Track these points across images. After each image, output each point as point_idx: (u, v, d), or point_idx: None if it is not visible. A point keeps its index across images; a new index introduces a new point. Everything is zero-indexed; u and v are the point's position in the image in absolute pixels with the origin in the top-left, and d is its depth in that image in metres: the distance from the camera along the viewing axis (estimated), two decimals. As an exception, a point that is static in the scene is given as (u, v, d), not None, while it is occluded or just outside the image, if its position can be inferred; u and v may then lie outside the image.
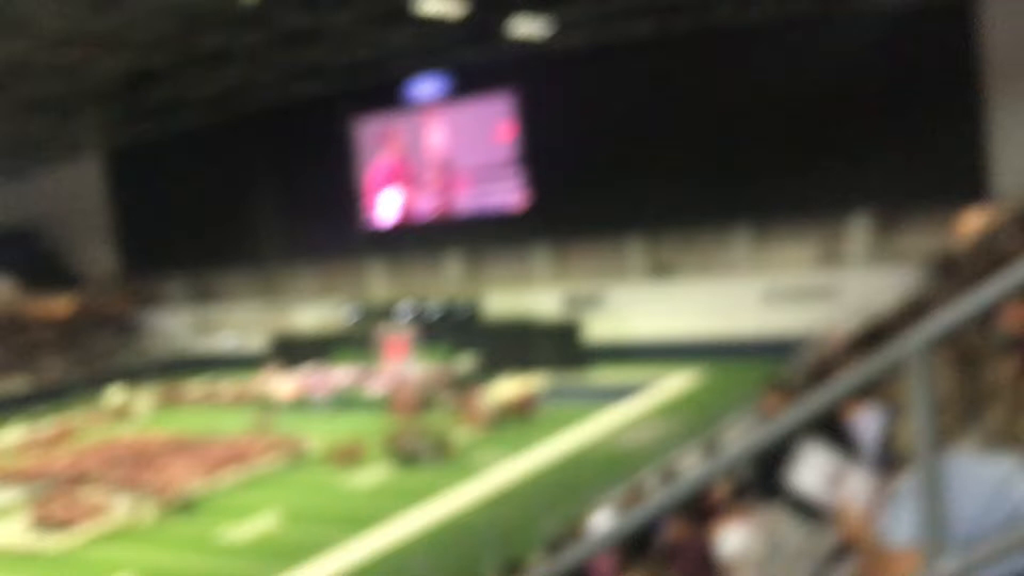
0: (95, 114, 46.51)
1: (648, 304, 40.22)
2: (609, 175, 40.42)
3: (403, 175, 45.89)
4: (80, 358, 51.21)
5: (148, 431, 37.05)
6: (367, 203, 47.13)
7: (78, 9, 29.31)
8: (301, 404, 38.92)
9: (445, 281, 46.28)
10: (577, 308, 41.52)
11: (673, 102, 39.08)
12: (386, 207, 46.10)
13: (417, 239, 45.20)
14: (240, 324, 44.40)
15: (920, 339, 1.90)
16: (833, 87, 35.78)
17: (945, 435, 2.49)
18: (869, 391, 4.46)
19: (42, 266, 55.92)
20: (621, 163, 40.22)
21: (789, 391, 7.30)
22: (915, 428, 1.97)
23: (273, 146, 48.47)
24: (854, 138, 35.89)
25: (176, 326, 52.62)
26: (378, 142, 46.53)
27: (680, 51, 38.04)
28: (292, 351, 44.79)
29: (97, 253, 57.61)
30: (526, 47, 39.15)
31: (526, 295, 43.04)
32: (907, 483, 2.25)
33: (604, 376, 38.09)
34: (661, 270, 41.66)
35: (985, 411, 2.51)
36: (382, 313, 42.63)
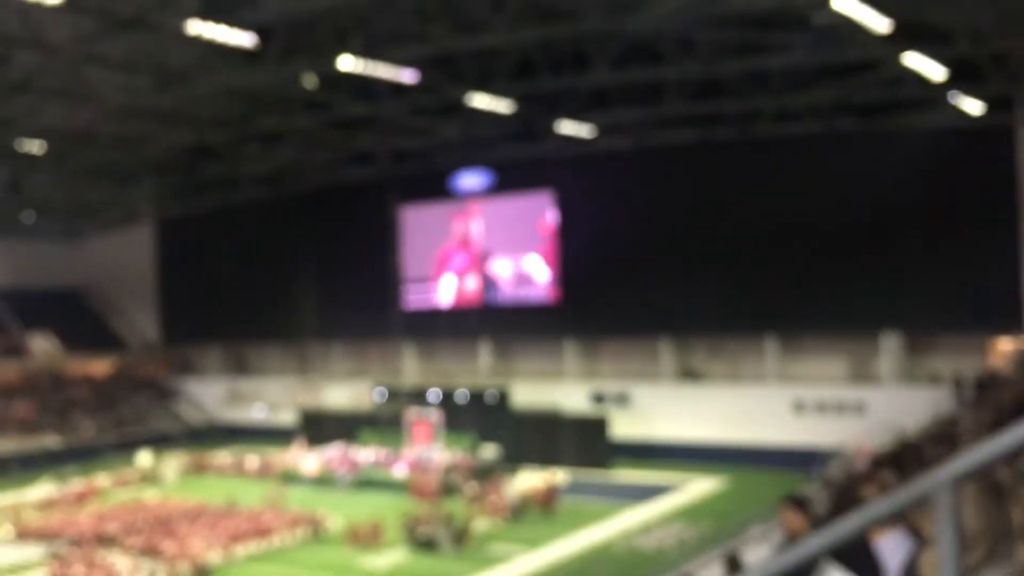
0: (152, 184, 47.72)
1: (675, 407, 39.91)
2: (643, 277, 40.56)
3: (455, 263, 46.30)
4: (114, 420, 51.41)
5: (173, 496, 36.87)
6: (404, 288, 47.43)
7: (143, 85, 30.28)
8: (324, 481, 38.63)
9: (475, 369, 46.20)
10: (604, 405, 41.18)
11: (711, 210, 39.35)
12: (444, 290, 46.44)
13: (451, 326, 45.26)
14: (272, 398, 44.48)
15: (949, 473, 1.86)
16: (872, 204, 35.88)
17: (973, 568, 2.42)
18: (898, 518, 4.33)
19: (87, 327, 56.64)
20: (656, 267, 40.39)
21: (805, 507, 7.15)
22: (941, 561, 1.91)
23: (317, 226, 49.26)
24: (889, 256, 35.83)
25: (210, 395, 52.85)
26: (422, 229, 47.04)
27: (721, 160, 38.43)
28: (320, 427, 44.68)
29: (141, 319, 58.35)
30: (568, 148, 39.94)
31: (554, 389, 42.82)
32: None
33: (628, 475, 37.59)
34: (690, 374, 41.41)
35: (1015, 546, 2.43)
36: (411, 396, 42.49)
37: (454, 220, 46.15)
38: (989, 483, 2.37)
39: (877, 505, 1.94)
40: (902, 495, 1.90)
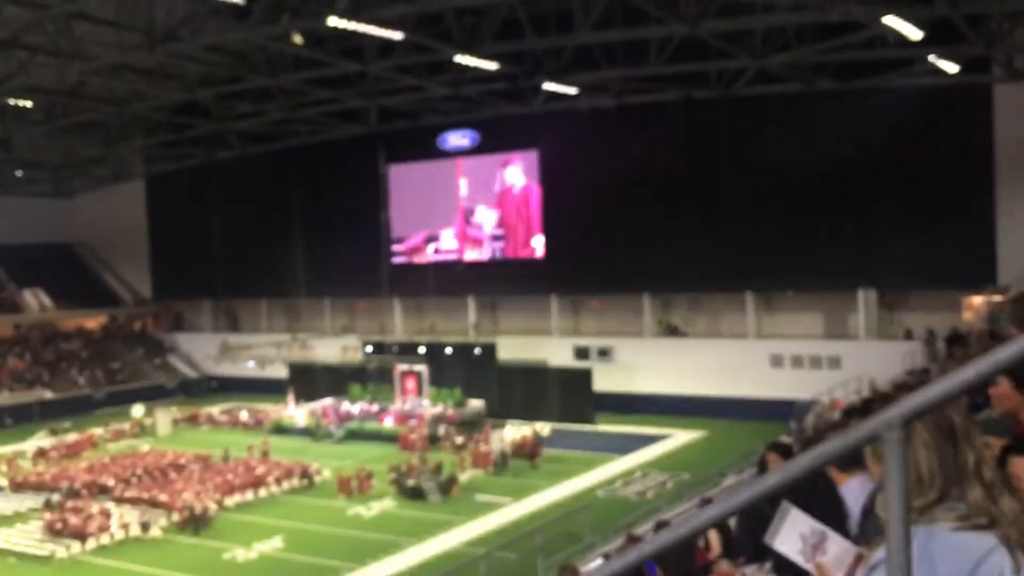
0: (142, 142, 47.28)
1: (657, 361, 40.18)
2: (626, 235, 40.60)
3: (441, 220, 46.33)
4: (107, 374, 51.45)
5: (167, 448, 37.02)
6: (392, 245, 47.35)
7: (132, 42, 29.87)
8: (315, 433, 38.84)
9: (462, 325, 46.36)
10: (587, 357, 41.44)
11: (692, 168, 39.26)
12: (430, 247, 46.69)
13: (438, 282, 45.30)
14: (262, 352, 44.52)
15: (898, 413, 1.89)
16: (850, 163, 35.80)
17: (926, 509, 2.47)
18: (861, 462, 4.41)
19: (80, 283, 56.40)
20: (638, 224, 40.41)
21: (787, 453, 7.23)
22: (888, 500, 1.95)
23: (306, 184, 49.01)
24: (866, 215, 35.93)
25: (202, 350, 52.85)
26: (410, 187, 46.97)
27: (703, 119, 38.27)
28: (310, 381, 44.84)
29: (133, 275, 58.07)
30: (553, 107, 39.75)
31: (539, 344, 43.02)
32: (880, 554, 2.23)
33: (611, 427, 37.89)
34: (671, 330, 41.70)
35: (968, 488, 2.49)
36: (399, 351, 42.63)
37: (439, 178, 46.02)
38: (942, 425, 2.43)
39: (830, 443, 1.98)
40: (852, 434, 1.94)
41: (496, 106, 41.00)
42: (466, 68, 34.10)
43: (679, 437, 35.80)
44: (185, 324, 57.90)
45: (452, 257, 46.36)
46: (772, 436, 20.53)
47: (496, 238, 45.16)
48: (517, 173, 44.41)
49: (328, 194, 49.01)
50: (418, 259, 47.22)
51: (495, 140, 43.91)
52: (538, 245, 43.92)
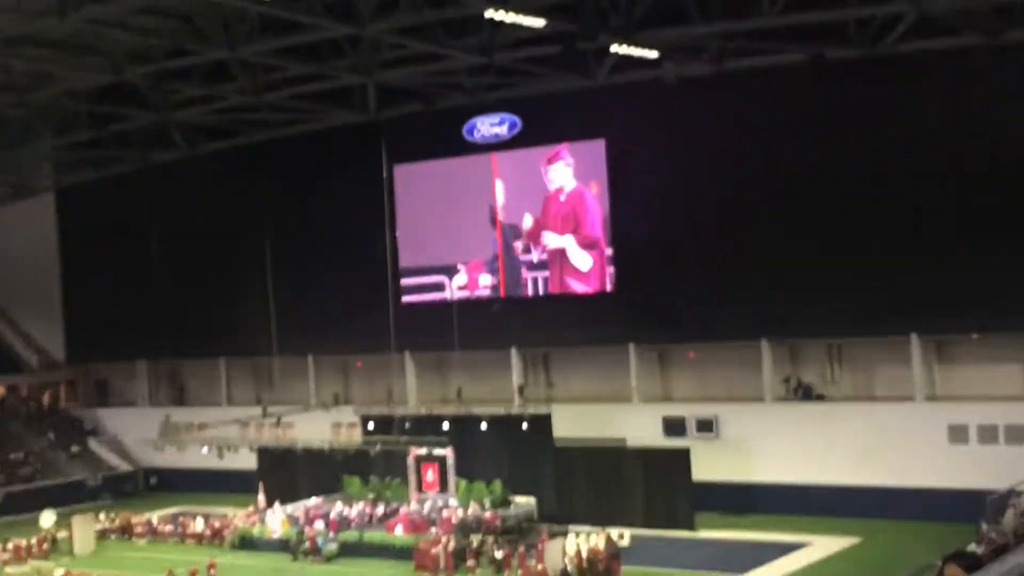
0: (53, 142, 47.70)
1: (783, 437, 39.65)
2: (732, 258, 40.40)
3: (470, 241, 46.56)
4: (5, 468, 51.45)
5: (89, 571, 36.81)
6: (400, 277, 47.27)
7: (38, 4, 30.11)
8: (296, 547, 38.52)
9: (502, 387, 46.11)
10: (682, 433, 41.15)
11: (824, 159, 38.94)
12: (456, 279, 47.07)
13: (468, 328, 45.07)
14: (220, 433, 44.33)
15: None
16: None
17: None
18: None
19: (-36, 340, 57.06)
20: (749, 242, 40.20)
21: (974, 566, 6.90)
22: None
23: (278, 195, 49.32)
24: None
25: (136, 431, 52.82)
26: (423, 196, 47.11)
27: (838, 89, 38.06)
28: (289, 473, 44.74)
29: (39, 328, 58.52)
30: (624, 77, 39.82)
31: (612, 413, 42.76)
32: None
33: (719, 533, 37.52)
34: (803, 391, 41.17)
35: None
36: (413, 427, 42.35)
37: (467, 183, 46.03)
38: None
39: None
40: None
41: (544, 80, 41.13)
42: (501, 26, 34.19)
43: (819, 547, 35.21)
44: (112, 396, 58.07)
45: (486, 293, 46.23)
46: (953, 543, 20.00)
47: (534, 265, 45.14)
48: (564, 172, 44.36)
49: (310, 209, 49.21)
50: (437, 297, 47.11)
51: (543, 127, 43.98)
52: (597, 271, 43.69)
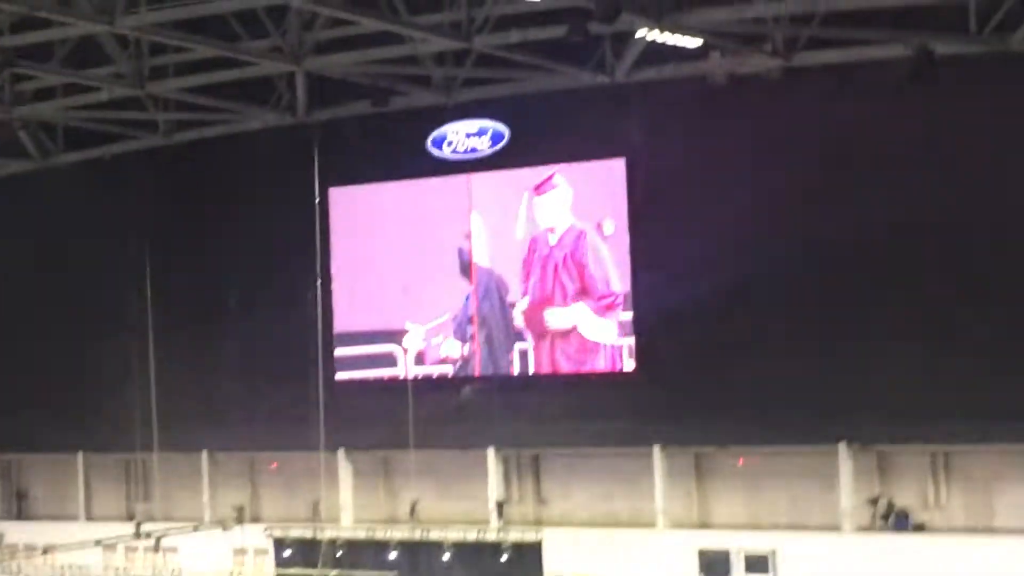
0: None
1: (871, 574, 39.45)
2: (803, 330, 40.42)
3: (434, 296, 46.51)
4: None
5: None
6: (333, 344, 46.99)
7: None
8: None
9: (474, 502, 45.80)
10: (725, 573, 40.95)
11: (934, 191, 38.81)
12: (413, 348, 46.78)
13: (428, 418, 44.75)
14: (75, 560, 43.91)
15: None
16: None
17: None
18: None
19: None
20: (828, 309, 40.23)
21: None
22: None
23: (163, 224, 49.27)
24: None
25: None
26: (369, 231, 47.11)
27: (957, 93, 37.81)
28: None
29: None
30: (654, 74, 40.07)
31: (629, 541, 42.49)
32: None
33: None
34: (895, 517, 40.88)
35: None
36: (347, 554, 42.07)
37: (431, 215, 45.99)
38: None
39: None
40: None
41: (542, 75, 41.29)
42: (483, 1, 34.04)
43: None
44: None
45: (454, 370, 46.10)
46: None
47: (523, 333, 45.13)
48: (557, 205, 44.36)
49: (209, 248, 49.46)
50: (386, 374, 46.95)
51: (539, 141, 43.99)
52: (612, 344, 43.48)
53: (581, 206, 44.04)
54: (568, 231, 44.09)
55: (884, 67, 37.83)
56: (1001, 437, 38.56)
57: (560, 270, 44.32)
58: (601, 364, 43.92)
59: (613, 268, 43.49)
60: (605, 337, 43.69)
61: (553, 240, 44.32)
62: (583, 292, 43.91)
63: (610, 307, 43.61)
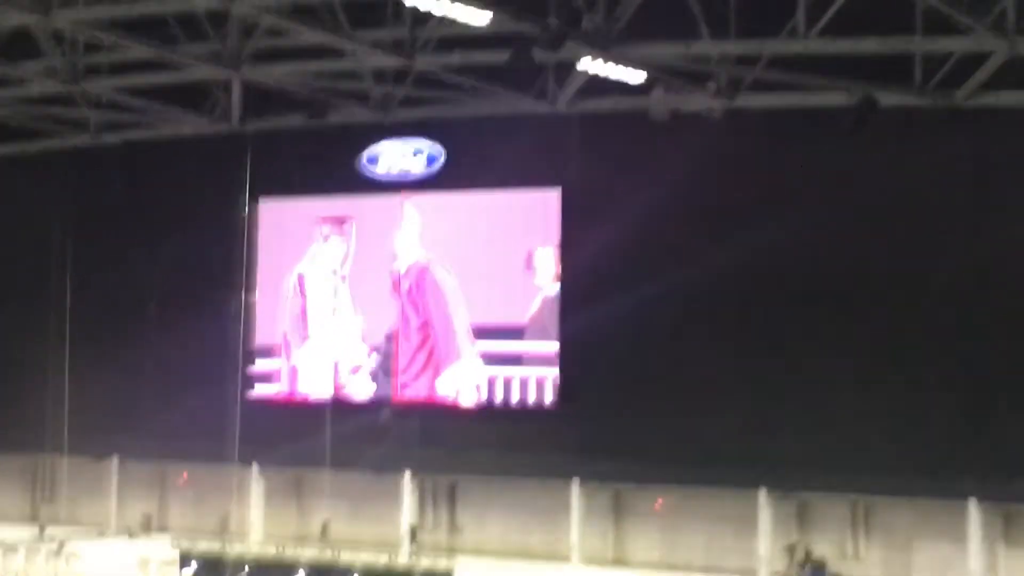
0: None
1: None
2: (729, 370, 40.55)
3: (357, 315, 46.33)
4: None
5: None
6: (251, 360, 46.75)
7: None
8: None
9: (387, 529, 45.61)
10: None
11: (866, 237, 39.24)
12: (330, 368, 46.54)
13: (344, 439, 44.56)
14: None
15: None
16: None
17: None
18: None
19: None
20: (754, 350, 40.42)
21: None
22: None
23: (86, 225, 49.05)
24: None
25: None
26: (294, 245, 46.97)
27: (887, 145, 38.37)
28: None
29: None
30: (591, 108, 40.20)
31: (543, 573, 42.61)
32: None
33: None
34: (811, 566, 40.65)
35: None
36: (254, 572, 41.57)
37: (363, 232, 45.96)
38: None
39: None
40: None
41: (482, 99, 41.23)
42: (428, 19, 33.93)
43: None
44: None
45: (373, 391, 45.95)
46: None
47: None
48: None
49: (131, 252, 49.16)
50: (301, 393, 46.87)
51: (475, 165, 44.07)
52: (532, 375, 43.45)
53: (512, 233, 44.15)
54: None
55: (825, 114, 38.01)
56: (923, 491, 38.67)
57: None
58: (526, 397, 43.93)
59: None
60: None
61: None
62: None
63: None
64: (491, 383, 44.32)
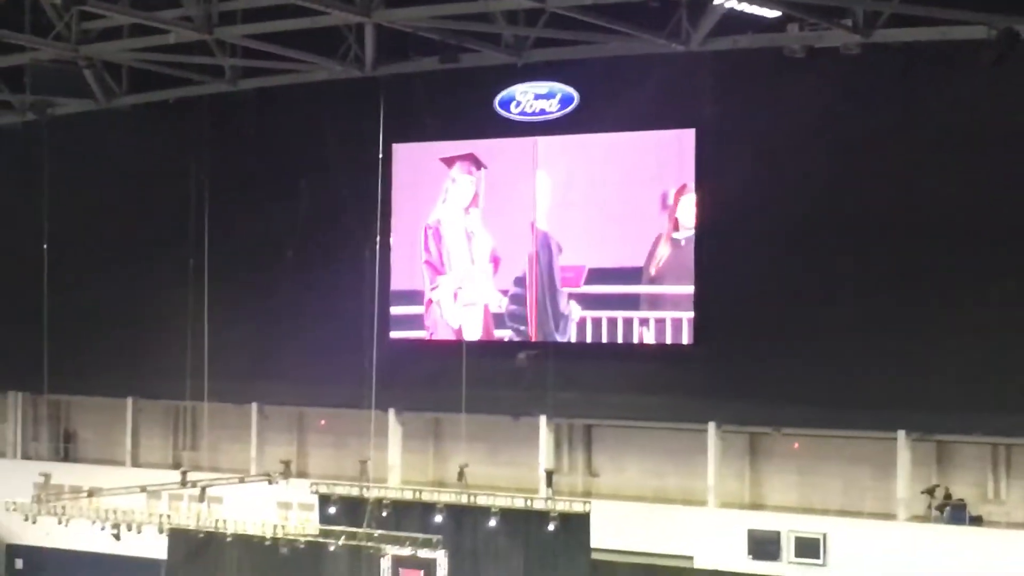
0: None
1: (919, 569, 39.04)
2: (871, 311, 40.03)
3: (493, 258, 46.52)
4: None
5: None
6: (389, 303, 46.98)
7: None
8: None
9: (524, 470, 45.93)
10: (775, 555, 40.77)
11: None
12: (470, 311, 46.78)
13: (482, 382, 44.77)
14: (120, 503, 43.86)
15: None
16: None
17: None
18: None
19: None
20: (897, 291, 39.79)
21: None
22: None
23: (219, 175, 49.39)
24: None
25: (0, 493, 52.32)
26: (430, 190, 47.17)
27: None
28: (212, 568, 44.91)
29: None
30: (727, 46, 39.85)
31: (678, 517, 42.64)
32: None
33: None
34: (951, 507, 40.37)
35: None
36: (390, 516, 41.96)
37: (497, 175, 46.01)
38: None
39: None
40: None
41: (614, 40, 40.93)
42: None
43: None
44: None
45: (511, 335, 46.05)
46: None
47: (585, 300, 44.89)
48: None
49: (265, 199, 49.53)
50: (437, 337, 47.03)
51: (608, 107, 43.72)
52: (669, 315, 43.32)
53: (646, 175, 43.81)
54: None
55: (966, 47, 37.32)
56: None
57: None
58: (662, 337, 43.68)
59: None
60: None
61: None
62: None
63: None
64: (627, 325, 44.11)
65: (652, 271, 43.67)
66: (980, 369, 38.56)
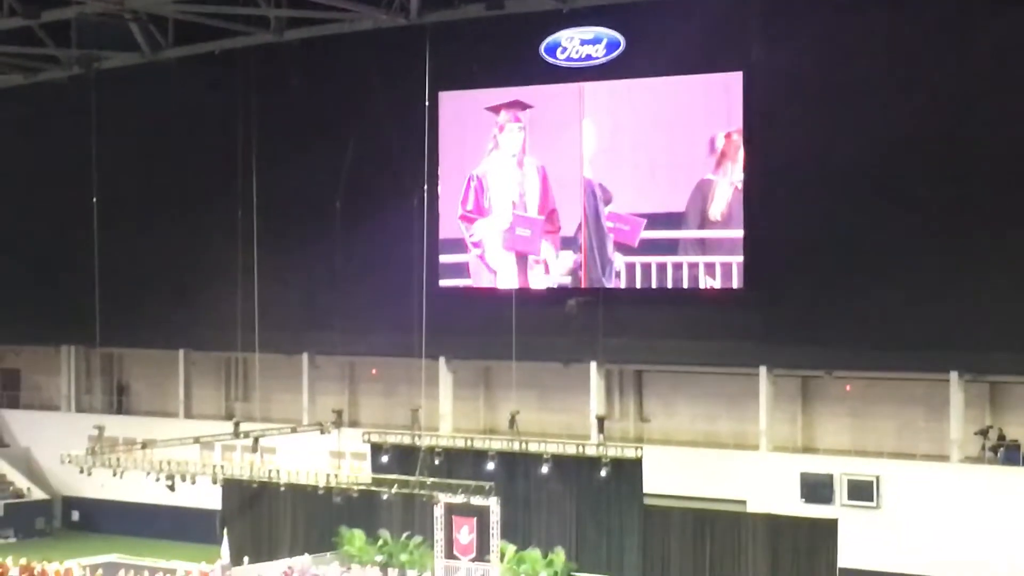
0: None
1: (972, 510, 38.97)
2: (923, 253, 39.99)
3: (542, 206, 46.33)
4: None
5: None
6: (441, 250, 46.91)
7: None
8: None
9: (574, 416, 46.00)
10: (828, 498, 40.71)
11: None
12: (519, 259, 46.69)
13: (531, 329, 44.75)
14: (173, 455, 44.01)
15: None
16: None
17: None
18: None
19: None
20: (952, 232, 39.67)
21: None
22: None
23: (271, 126, 49.41)
24: None
25: (55, 446, 52.60)
26: (478, 138, 46.92)
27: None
28: (264, 519, 45.12)
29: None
30: None
31: (730, 461, 42.61)
32: None
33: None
34: (1005, 448, 40.32)
35: None
36: (442, 463, 42.05)
37: (544, 121, 45.79)
38: None
39: None
40: None
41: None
42: None
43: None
44: (24, 393, 58.32)
45: (561, 281, 46.01)
46: None
47: (631, 248, 44.81)
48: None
49: (314, 149, 49.49)
50: (487, 284, 47.06)
51: (653, 51, 43.50)
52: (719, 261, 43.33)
53: (694, 119, 43.61)
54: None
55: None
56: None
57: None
58: (712, 282, 43.54)
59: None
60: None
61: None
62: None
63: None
64: (676, 270, 43.95)
65: (701, 216, 43.44)
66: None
